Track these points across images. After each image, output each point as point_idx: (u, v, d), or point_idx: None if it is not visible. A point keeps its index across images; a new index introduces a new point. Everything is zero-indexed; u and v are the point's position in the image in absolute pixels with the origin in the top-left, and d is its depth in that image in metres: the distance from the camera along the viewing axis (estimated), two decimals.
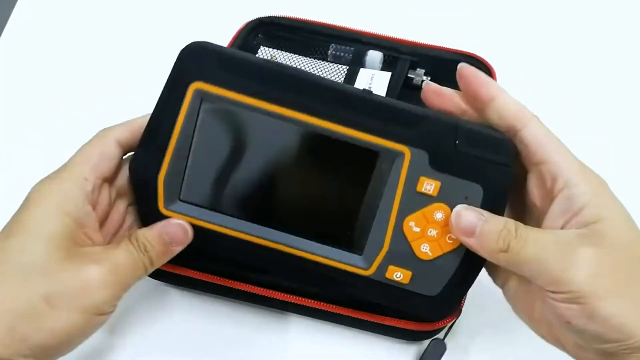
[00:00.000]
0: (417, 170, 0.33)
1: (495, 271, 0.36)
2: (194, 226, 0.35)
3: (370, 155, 0.34)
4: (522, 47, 0.63)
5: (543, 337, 0.34)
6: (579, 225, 0.31)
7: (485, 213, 0.32)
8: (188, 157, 0.34)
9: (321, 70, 0.55)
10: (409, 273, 0.35)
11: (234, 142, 0.35)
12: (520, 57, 0.61)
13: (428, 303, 0.36)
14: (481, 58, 0.53)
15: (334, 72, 0.54)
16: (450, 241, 0.34)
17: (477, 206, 0.34)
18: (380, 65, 0.55)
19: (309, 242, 0.35)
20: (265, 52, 0.56)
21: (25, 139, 0.54)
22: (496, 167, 0.33)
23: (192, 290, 0.45)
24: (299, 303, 0.42)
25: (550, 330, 0.33)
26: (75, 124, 0.47)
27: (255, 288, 0.42)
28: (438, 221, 0.34)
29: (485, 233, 0.32)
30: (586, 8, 0.67)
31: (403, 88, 0.53)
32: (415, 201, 0.34)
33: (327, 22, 0.57)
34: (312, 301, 0.42)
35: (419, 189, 0.34)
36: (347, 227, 0.35)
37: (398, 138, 0.33)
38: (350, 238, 0.35)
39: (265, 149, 0.35)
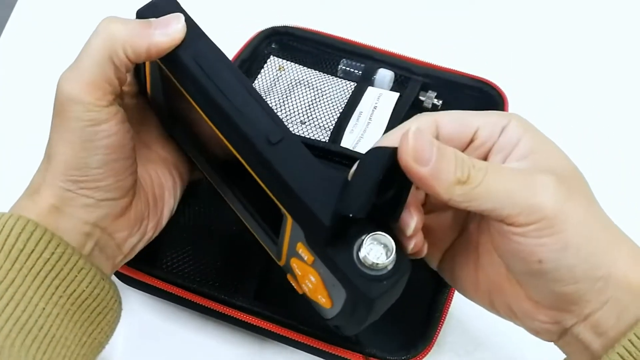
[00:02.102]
0: (297, 236, 0.30)
1: (429, 255, 0.32)
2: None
3: None
4: (535, 75, 0.61)
5: (490, 307, 0.32)
6: (519, 158, 0.28)
7: (433, 139, 0.26)
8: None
9: (328, 86, 0.54)
10: (300, 289, 0.34)
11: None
12: (533, 85, 0.60)
13: (326, 323, 0.33)
14: (493, 84, 0.52)
15: (341, 89, 0.53)
16: (322, 301, 0.31)
17: (339, 306, 0.29)
18: (391, 85, 0.54)
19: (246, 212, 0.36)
20: (274, 62, 0.56)
21: (25, 139, 0.53)
22: (362, 291, 0.27)
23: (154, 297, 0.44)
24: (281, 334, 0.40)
25: (498, 295, 0.31)
26: None
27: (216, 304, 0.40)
28: (312, 282, 0.31)
29: (441, 161, 0.26)
30: (599, 35, 0.65)
31: (411, 110, 0.52)
32: (297, 254, 0.31)
33: (342, 36, 0.56)
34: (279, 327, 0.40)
35: (297, 249, 0.31)
36: (274, 217, 0.33)
37: (283, 204, 0.30)
38: (273, 227, 0.34)
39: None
